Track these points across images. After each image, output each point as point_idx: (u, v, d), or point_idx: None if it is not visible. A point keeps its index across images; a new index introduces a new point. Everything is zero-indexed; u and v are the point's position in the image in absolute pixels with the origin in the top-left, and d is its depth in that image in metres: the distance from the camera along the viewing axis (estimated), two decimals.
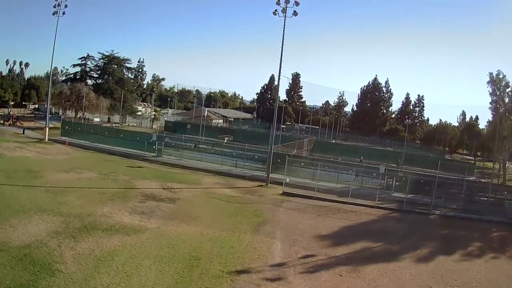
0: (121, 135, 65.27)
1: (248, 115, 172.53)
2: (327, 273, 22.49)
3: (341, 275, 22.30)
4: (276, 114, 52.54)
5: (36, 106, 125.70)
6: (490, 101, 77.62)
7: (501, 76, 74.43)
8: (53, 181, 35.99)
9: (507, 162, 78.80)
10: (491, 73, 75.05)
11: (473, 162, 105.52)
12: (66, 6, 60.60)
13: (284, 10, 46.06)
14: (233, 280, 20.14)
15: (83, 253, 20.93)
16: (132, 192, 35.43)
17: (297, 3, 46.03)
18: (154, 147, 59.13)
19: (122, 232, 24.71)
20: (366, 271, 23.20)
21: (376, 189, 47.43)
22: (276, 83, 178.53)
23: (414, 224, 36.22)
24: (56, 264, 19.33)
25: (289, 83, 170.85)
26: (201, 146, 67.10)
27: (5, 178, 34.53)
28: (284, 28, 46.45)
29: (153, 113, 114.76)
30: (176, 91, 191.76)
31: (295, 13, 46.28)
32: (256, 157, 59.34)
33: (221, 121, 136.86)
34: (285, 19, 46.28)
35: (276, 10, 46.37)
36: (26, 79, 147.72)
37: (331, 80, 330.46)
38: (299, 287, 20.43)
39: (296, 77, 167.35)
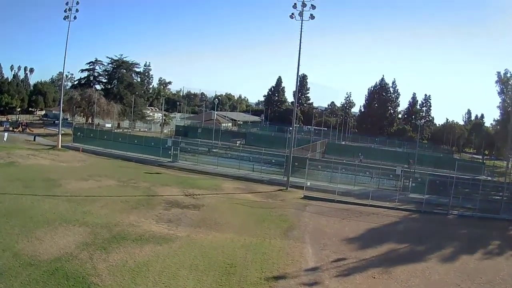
0: (135, 141, 64.74)
1: (257, 118, 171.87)
2: (361, 275, 22.55)
3: (374, 277, 22.45)
4: (295, 116, 52.02)
5: (44, 112, 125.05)
6: (500, 100, 78.05)
7: (508, 75, 74.52)
8: (73, 189, 35.38)
9: None
10: (498, 72, 75.81)
11: (481, 161, 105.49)
12: (77, 10, 60.33)
13: (301, 14, 45.87)
14: (271, 286, 20.15)
15: (116, 265, 20.38)
16: (155, 199, 34.92)
17: (313, 7, 45.85)
18: (170, 152, 58.63)
19: (152, 242, 24.18)
20: (397, 272, 23.33)
21: (393, 191, 48.40)
22: (283, 85, 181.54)
23: (434, 224, 36.89)
24: (90, 277, 18.79)
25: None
26: (214, 150, 66.53)
27: (23, 188, 33.92)
28: (301, 31, 46.51)
29: (163, 117, 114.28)
30: (183, 94, 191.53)
31: (312, 17, 46.26)
32: (273, 161, 58.96)
33: (230, 124, 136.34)
34: (302, 23, 46.26)
35: (293, 14, 46.22)
36: (31, 84, 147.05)
37: (338, 81, 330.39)
38: None
39: (303, 79, 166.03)
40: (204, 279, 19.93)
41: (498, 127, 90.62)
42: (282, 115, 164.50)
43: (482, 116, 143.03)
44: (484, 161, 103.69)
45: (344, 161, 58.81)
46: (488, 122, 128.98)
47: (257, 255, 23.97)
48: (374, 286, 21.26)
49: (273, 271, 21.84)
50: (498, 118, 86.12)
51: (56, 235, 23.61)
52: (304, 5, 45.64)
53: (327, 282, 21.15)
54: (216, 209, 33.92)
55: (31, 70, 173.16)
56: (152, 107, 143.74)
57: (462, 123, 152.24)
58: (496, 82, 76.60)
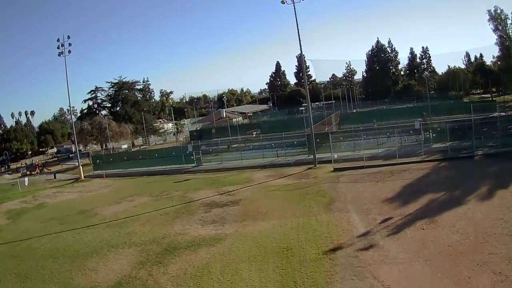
0: (156, 154, 64.78)
1: (264, 106, 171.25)
2: (410, 230, 22.88)
3: (423, 229, 22.79)
4: (308, 94, 52.35)
5: (55, 149, 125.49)
6: (496, 37, 79.06)
7: (498, 11, 74.94)
8: (110, 215, 35.14)
9: None
10: (489, 11, 76.18)
11: (491, 99, 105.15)
12: (70, 44, 60.79)
13: None
14: (331, 258, 20.32)
15: (177, 275, 20.40)
16: (193, 205, 34.79)
17: None
18: (192, 157, 58.41)
19: (205, 245, 24.15)
20: (443, 219, 23.68)
21: (416, 145, 49.30)
22: (283, 69, 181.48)
23: (463, 168, 37.07)
24: None
25: (296, 66, 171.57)
26: (234, 145, 66.52)
27: (59, 225, 33.51)
28: (295, 14, 46.62)
29: (175, 126, 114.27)
30: (186, 101, 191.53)
31: None
32: (295, 142, 58.80)
33: (240, 118, 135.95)
34: (294, 5, 46.09)
35: None
36: (35, 126, 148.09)
37: (335, 53, 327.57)
38: (392, 248, 20.70)
39: (301, 58, 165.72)
40: (266, 267, 19.93)
41: (499, 62, 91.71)
42: (288, 98, 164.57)
43: (481, 55, 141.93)
44: (494, 99, 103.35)
45: (361, 127, 58.50)
46: (488, 60, 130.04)
47: (308, 233, 24.03)
48: (425, 237, 21.49)
49: (328, 245, 21.98)
50: (498, 54, 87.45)
51: (108, 261, 23.60)
52: None
53: (381, 243, 21.39)
54: (254, 200, 33.89)
55: (32, 113, 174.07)
56: (160, 119, 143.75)
57: (463, 66, 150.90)
58: (489, 20, 77.47)
